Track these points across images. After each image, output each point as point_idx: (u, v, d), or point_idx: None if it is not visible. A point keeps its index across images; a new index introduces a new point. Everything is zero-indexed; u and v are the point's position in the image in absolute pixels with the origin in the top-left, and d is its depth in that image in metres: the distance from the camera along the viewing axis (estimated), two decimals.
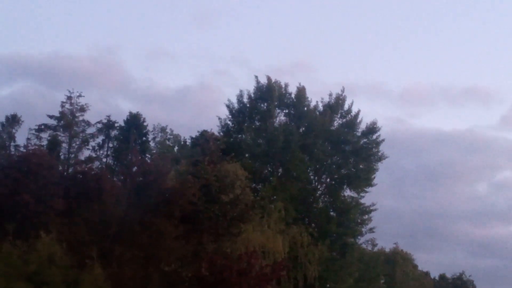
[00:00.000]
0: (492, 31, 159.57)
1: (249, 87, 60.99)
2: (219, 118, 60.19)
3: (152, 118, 67.54)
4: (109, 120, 53.70)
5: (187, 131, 71.80)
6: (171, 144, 64.18)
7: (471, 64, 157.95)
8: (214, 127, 57.18)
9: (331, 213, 60.95)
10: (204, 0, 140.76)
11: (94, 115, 50.27)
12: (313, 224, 59.72)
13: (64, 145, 47.95)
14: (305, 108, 60.93)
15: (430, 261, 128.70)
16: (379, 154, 61.60)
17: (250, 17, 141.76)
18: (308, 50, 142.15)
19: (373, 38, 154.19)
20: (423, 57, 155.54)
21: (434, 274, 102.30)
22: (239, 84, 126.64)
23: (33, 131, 47.28)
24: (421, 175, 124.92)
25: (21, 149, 45.69)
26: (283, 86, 60.92)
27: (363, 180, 60.72)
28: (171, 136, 64.63)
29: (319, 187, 62.02)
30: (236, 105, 60.71)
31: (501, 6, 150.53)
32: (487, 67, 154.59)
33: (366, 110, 59.63)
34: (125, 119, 56.60)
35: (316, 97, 61.74)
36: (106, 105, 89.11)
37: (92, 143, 50.88)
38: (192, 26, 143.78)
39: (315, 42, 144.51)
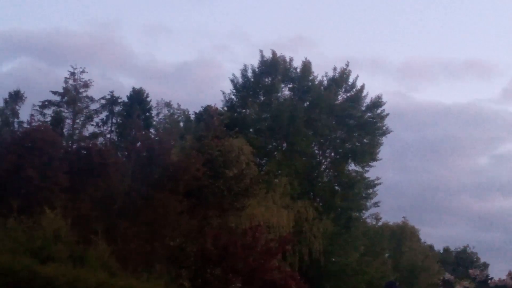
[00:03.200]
0: (492, 4, 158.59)
1: (250, 62, 60.86)
2: (223, 93, 60.10)
3: (153, 93, 67.46)
4: (112, 96, 53.58)
5: (188, 106, 71.61)
6: (179, 119, 64.10)
7: (471, 37, 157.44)
8: (216, 102, 57.08)
9: (336, 188, 60.96)
10: None
11: (95, 91, 50.15)
12: (318, 199, 59.75)
13: (68, 121, 47.87)
14: (310, 83, 60.71)
15: (433, 235, 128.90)
16: (384, 128, 61.47)
17: None
18: (307, 25, 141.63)
19: (372, 12, 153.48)
20: (423, 31, 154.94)
21: (438, 247, 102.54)
22: (239, 59, 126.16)
23: (37, 107, 47.18)
24: (423, 148, 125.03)
25: (25, 125, 45.62)
26: (288, 60, 60.71)
27: (367, 154, 60.65)
28: (178, 111, 64.54)
29: (323, 161, 61.95)
30: (240, 80, 60.54)
31: None
32: (488, 40, 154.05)
33: (367, 84, 59.35)
34: (128, 94, 56.47)
35: (317, 71, 61.58)
36: (107, 81, 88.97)
37: (96, 119, 50.83)
38: (190, 0, 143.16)
39: (314, 16, 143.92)
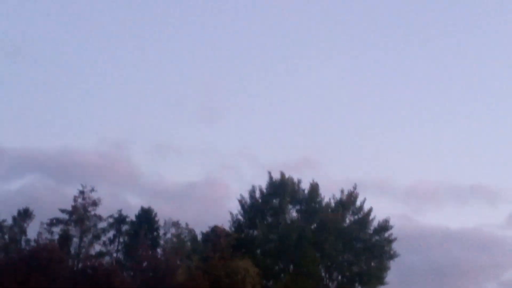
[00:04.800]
0: (499, 127, 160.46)
1: (257, 182, 61.09)
2: (231, 213, 60.13)
3: (161, 212, 67.58)
4: (120, 215, 53.73)
5: (196, 225, 71.57)
6: (186, 239, 63.92)
7: (477, 163, 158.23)
8: (223, 222, 57.00)
9: None
10: (211, 96, 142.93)
11: (103, 209, 50.35)
12: None
13: (75, 239, 47.87)
14: (317, 205, 60.84)
15: None
16: (391, 252, 61.06)
17: (257, 113, 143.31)
18: (314, 146, 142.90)
19: (379, 136, 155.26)
20: (430, 155, 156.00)
21: None
22: (246, 179, 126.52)
23: (45, 225, 47.33)
24: (428, 272, 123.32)
25: (32, 243, 45.61)
26: (296, 182, 61.04)
27: (374, 278, 59.98)
28: (186, 231, 64.47)
29: (330, 284, 61.23)
30: (248, 200, 60.71)
31: (504, 107, 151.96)
32: (494, 166, 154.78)
33: (373, 206, 59.40)
34: (137, 214, 56.59)
35: (324, 193, 61.65)
36: (115, 199, 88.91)
37: (103, 238, 50.80)
38: (199, 121, 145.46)
39: (321, 138, 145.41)
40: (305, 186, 61.14)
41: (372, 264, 60.66)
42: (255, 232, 59.71)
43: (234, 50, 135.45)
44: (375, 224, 61.21)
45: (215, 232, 53.40)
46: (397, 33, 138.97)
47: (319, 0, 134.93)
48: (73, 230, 48.13)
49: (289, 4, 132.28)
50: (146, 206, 58.07)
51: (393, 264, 61.79)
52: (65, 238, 47.39)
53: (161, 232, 59.54)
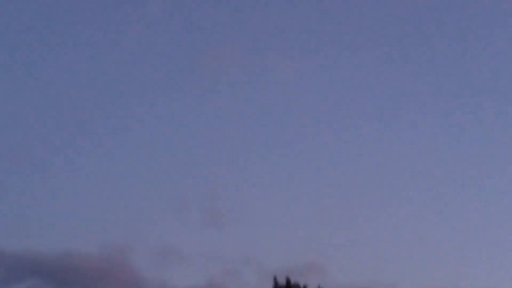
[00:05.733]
0: None
1: None
2: None
3: None
4: None
5: None
6: None
7: (489, 269, 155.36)
8: None
9: None
10: (215, 200, 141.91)
11: None
12: None
13: None
14: None
15: None
16: None
17: (262, 216, 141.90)
18: (321, 252, 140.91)
19: (387, 239, 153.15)
20: (438, 260, 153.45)
21: None
22: (251, 284, 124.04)
23: None
24: None
25: None
26: (302, 287, 59.40)
27: None
28: None
29: None
30: None
31: None
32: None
33: None
34: None
35: None
36: None
37: None
38: (202, 225, 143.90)
39: (328, 243, 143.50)
40: None
41: None
42: None
43: (239, 155, 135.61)
44: None
45: None
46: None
47: (317, 99, 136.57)
48: None
49: (287, 102, 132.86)
50: None
51: None
52: None
53: None
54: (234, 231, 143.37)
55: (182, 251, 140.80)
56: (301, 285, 59.26)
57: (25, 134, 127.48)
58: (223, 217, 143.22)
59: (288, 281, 59.18)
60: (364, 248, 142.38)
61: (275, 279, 59.36)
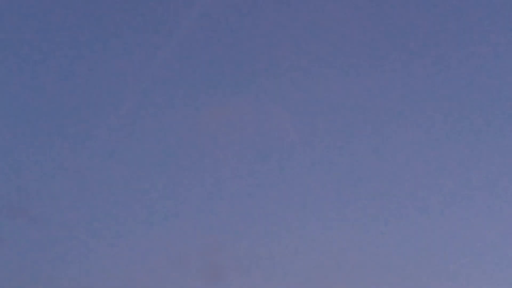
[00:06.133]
0: None
1: None
2: None
3: None
4: None
5: None
6: None
7: None
8: None
9: None
10: (215, 255, 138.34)
11: None
12: None
13: None
14: None
15: None
16: None
17: (262, 273, 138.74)
18: None
19: None
20: None
21: None
22: None
23: None
24: None
25: None
26: None
27: None
28: None
29: None
30: None
31: None
32: None
33: None
34: None
35: None
36: None
37: None
38: (201, 281, 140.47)
39: None
40: None
41: None
42: None
43: (240, 211, 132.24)
44: None
45: None
46: None
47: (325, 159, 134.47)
48: None
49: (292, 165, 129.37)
50: None
51: None
52: None
53: None
54: (235, 286, 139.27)
55: None
56: None
57: (24, 188, 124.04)
58: (223, 272, 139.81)
59: None
60: None
61: None
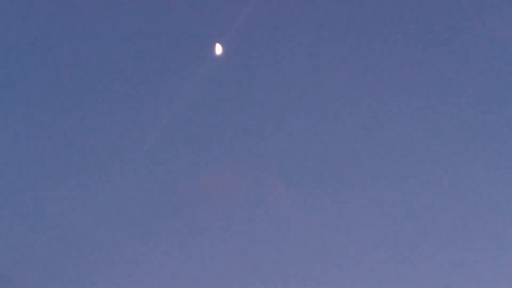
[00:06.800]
0: None
1: None
2: None
3: None
4: None
5: None
6: None
7: None
8: None
9: None
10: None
11: None
12: None
13: None
14: None
15: None
16: None
17: None
18: None
19: None
20: None
21: None
22: None
23: None
24: None
25: None
26: None
27: None
28: None
29: None
30: None
31: None
32: None
33: None
34: None
35: None
36: None
37: None
38: None
39: None
40: None
41: None
42: None
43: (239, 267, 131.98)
44: None
45: None
46: None
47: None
48: None
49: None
50: None
51: None
52: None
53: None
54: None
55: None
56: None
57: (18, 259, 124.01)
58: None
59: None
60: None
61: None
